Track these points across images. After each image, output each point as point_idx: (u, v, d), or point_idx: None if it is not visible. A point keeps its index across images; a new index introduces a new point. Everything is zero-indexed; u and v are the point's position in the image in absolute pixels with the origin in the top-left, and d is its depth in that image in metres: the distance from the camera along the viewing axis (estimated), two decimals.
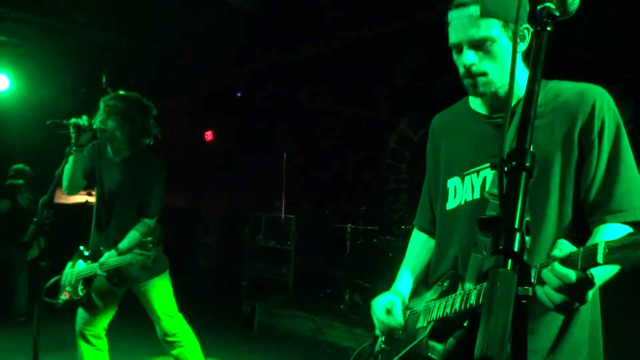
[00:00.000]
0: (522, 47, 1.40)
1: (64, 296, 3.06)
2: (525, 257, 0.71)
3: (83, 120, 2.92)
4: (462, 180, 1.51)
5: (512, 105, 1.44)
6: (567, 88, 1.39)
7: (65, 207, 7.87)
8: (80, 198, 8.57)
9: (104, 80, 6.91)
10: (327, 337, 5.25)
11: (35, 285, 2.94)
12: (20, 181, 5.86)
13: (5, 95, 6.78)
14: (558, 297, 1.02)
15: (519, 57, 1.43)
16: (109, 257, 2.96)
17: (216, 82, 7.79)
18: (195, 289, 7.90)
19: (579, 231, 1.32)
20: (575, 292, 1.00)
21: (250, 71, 7.36)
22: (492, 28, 1.34)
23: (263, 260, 7.02)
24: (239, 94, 8.53)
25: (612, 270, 1.20)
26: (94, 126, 3.02)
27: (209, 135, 9.78)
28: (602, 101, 1.32)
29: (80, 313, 3.13)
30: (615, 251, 0.89)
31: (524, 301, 0.74)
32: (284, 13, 5.77)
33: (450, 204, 1.55)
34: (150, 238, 2.92)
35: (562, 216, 1.34)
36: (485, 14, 1.33)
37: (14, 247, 5.77)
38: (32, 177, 5.93)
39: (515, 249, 0.69)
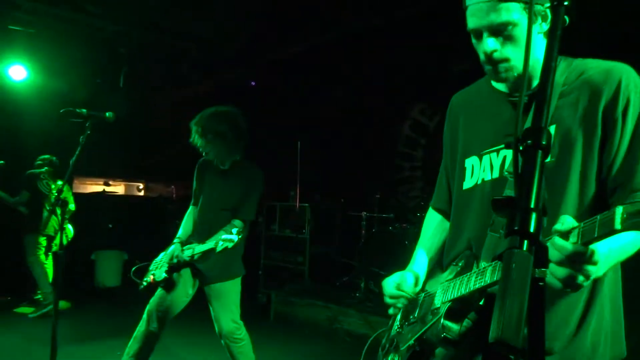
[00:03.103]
0: (545, 27, 1.34)
1: (148, 278, 3.21)
2: (542, 238, 0.68)
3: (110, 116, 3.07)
4: (480, 159, 1.48)
5: (535, 85, 1.40)
6: (593, 66, 1.34)
7: (82, 195, 8.00)
8: (98, 187, 8.71)
9: (121, 80, 6.97)
10: (343, 325, 5.26)
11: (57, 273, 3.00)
12: (43, 169, 5.93)
13: (22, 85, 6.86)
14: (560, 272, 1.00)
15: (541, 37, 1.37)
16: (195, 247, 3.11)
17: (229, 73, 7.78)
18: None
19: (600, 211, 1.28)
20: (576, 265, 0.99)
21: (264, 61, 7.32)
22: (513, 12, 1.28)
23: (278, 249, 7.04)
24: (252, 83, 8.52)
25: (624, 248, 1.17)
26: (199, 148, 3.28)
27: None
28: (628, 79, 1.28)
29: (160, 295, 3.24)
30: (633, 216, 0.85)
31: (541, 283, 0.72)
32: (295, 2, 5.73)
33: (467, 183, 1.52)
34: (236, 228, 3.09)
35: (583, 196, 1.30)
36: None
37: (36, 233, 5.87)
38: (57, 166, 6.00)
39: (532, 229, 0.66)
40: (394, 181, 7.33)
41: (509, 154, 1.39)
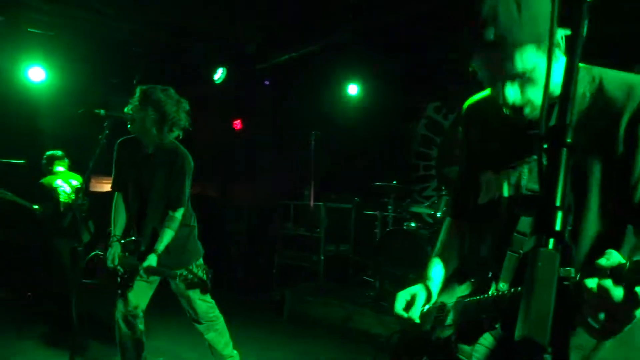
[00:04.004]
0: (558, 55, 1.27)
1: (100, 278, 3.18)
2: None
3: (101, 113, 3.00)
4: (497, 175, 1.43)
5: (555, 95, 1.36)
6: (613, 78, 1.28)
7: (99, 194, 8.09)
8: None
9: (136, 80, 7.05)
10: (357, 324, 5.25)
11: (74, 270, 3.05)
12: (54, 176, 5.97)
13: (41, 87, 6.97)
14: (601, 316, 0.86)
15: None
16: (152, 261, 3.03)
17: (244, 71, 7.81)
18: (225, 276, 8.02)
19: (621, 227, 1.23)
20: (619, 312, 0.86)
21: (279, 59, 7.34)
22: (527, 58, 1.22)
23: (292, 248, 7.06)
24: (266, 82, 8.55)
25: None
26: (127, 112, 3.09)
27: (237, 124, 9.85)
28: None
29: (120, 293, 3.21)
30: None
31: (566, 282, 0.71)
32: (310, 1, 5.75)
33: (483, 198, 1.48)
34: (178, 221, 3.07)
35: (605, 202, 1.24)
36: (517, 45, 1.21)
37: (59, 236, 5.94)
38: (65, 161, 6.05)
39: (557, 227, 0.66)
40: (409, 180, 7.30)
41: (525, 170, 1.34)
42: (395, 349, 1.69)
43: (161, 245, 3.08)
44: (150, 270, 3.02)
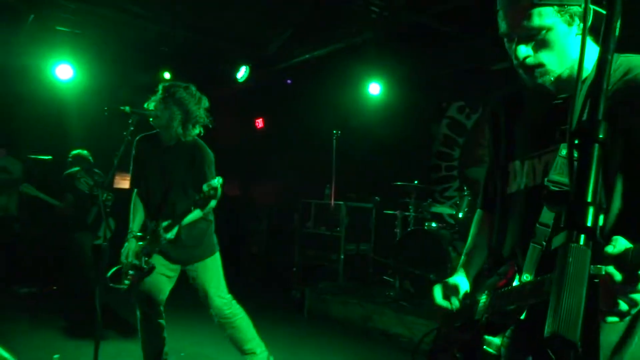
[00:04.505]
0: (579, 29, 1.26)
1: (128, 280, 3.20)
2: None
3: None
4: (523, 164, 1.43)
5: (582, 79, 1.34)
6: (637, 65, 1.25)
7: (121, 191, 8.22)
8: None
9: (165, 77, 7.15)
10: (377, 323, 5.24)
11: (98, 265, 3.10)
12: (76, 168, 6.10)
13: (68, 85, 7.11)
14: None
15: (579, 38, 1.28)
16: (172, 233, 3.08)
17: (267, 70, 7.85)
18: (246, 274, 8.08)
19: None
20: (623, 294, 0.87)
21: (301, 59, 7.36)
22: (546, 17, 1.22)
23: (313, 246, 7.06)
24: (289, 81, 8.57)
25: None
26: (149, 109, 3.14)
27: (259, 123, 9.91)
28: None
29: (140, 289, 3.25)
30: None
31: (596, 280, 0.70)
32: (331, 2, 5.74)
33: (510, 188, 1.48)
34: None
35: (629, 194, 1.22)
36: (536, 1, 1.22)
37: (82, 232, 6.07)
38: (90, 162, 6.17)
39: (589, 223, 0.64)
40: (431, 180, 7.25)
41: (551, 159, 1.33)
42: (431, 350, 1.69)
43: (185, 220, 3.10)
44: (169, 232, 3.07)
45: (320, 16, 6.20)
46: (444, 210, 6.14)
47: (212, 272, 3.35)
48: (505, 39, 1.34)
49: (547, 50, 1.27)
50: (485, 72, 6.05)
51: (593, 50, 1.29)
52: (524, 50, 1.27)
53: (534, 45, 1.27)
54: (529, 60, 1.28)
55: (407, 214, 6.12)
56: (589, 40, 1.31)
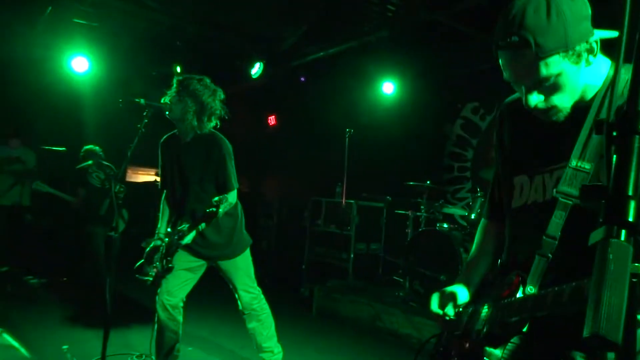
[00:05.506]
0: (592, 59, 1.23)
1: (153, 271, 3.21)
2: None
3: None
4: (531, 179, 1.39)
5: (589, 98, 1.29)
6: None
7: (135, 184, 8.27)
8: (149, 177, 8.98)
9: (177, 70, 7.17)
10: (386, 323, 5.20)
11: (109, 256, 3.10)
12: (89, 162, 6.13)
13: (84, 77, 7.15)
14: None
15: (588, 67, 1.25)
16: (189, 238, 3.07)
17: (280, 67, 7.84)
18: (256, 271, 8.07)
19: None
20: None
21: (314, 55, 7.34)
22: (553, 65, 1.18)
23: (323, 244, 7.04)
24: (302, 79, 8.55)
25: None
26: (165, 102, 3.14)
27: (272, 120, 9.90)
28: None
29: (164, 283, 3.25)
30: None
31: (634, 280, 0.66)
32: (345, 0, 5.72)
33: (516, 202, 1.44)
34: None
35: None
36: (542, 54, 1.16)
37: (95, 224, 6.10)
38: (101, 157, 6.20)
39: (630, 218, 0.61)
40: (443, 181, 7.18)
41: (562, 174, 1.29)
42: (431, 356, 1.65)
43: (201, 226, 3.10)
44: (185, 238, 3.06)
45: (335, 14, 6.17)
46: (456, 211, 6.08)
47: (242, 270, 3.38)
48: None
49: (558, 93, 1.25)
50: (502, 73, 5.97)
51: (603, 65, 1.29)
52: (535, 99, 1.25)
53: (544, 90, 1.24)
54: (541, 105, 1.27)
55: (418, 214, 6.07)
56: (600, 55, 1.27)
